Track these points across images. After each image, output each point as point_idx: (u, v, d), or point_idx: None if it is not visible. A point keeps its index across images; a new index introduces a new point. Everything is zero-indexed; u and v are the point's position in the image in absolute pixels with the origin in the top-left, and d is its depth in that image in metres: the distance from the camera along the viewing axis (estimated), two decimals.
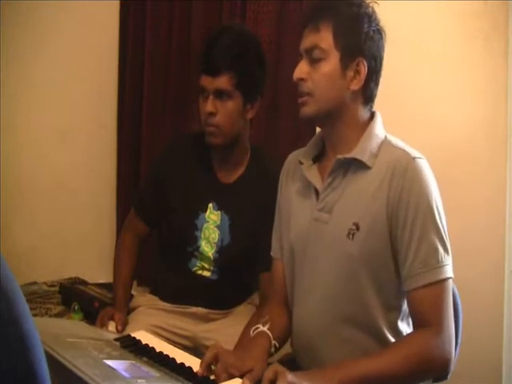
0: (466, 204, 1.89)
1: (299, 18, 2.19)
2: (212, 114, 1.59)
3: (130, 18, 2.56)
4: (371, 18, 1.27)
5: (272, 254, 1.47)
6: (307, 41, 1.27)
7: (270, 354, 1.26)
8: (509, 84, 1.89)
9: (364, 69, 1.26)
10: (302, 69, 1.27)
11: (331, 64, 1.25)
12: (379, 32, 1.28)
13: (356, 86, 1.26)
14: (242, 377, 1.11)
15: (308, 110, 1.28)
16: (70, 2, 2.52)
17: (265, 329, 1.28)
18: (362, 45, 1.25)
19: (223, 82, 1.57)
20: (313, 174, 1.33)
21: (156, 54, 2.50)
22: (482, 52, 1.93)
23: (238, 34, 1.64)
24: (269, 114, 2.23)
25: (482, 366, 1.84)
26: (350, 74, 1.25)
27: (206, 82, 1.60)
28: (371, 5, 1.28)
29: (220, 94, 1.59)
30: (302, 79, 1.27)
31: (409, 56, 1.96)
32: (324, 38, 1.25)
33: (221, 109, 1.59)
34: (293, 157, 1.46)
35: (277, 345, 1.28)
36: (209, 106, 1.59)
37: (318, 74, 1.26)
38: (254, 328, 1.30)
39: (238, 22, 2.20)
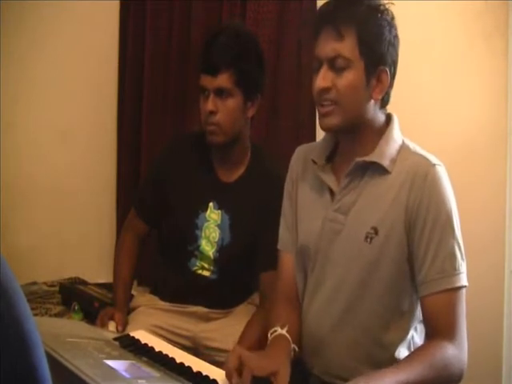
0: (466, 204, 1.88)
1: (299, 18, 2.19)
2: (213, 113, 1.60)
3: (130, 18, 2.56)
4: (392, 24, 1.24)
5: (280, 247, 1.42)
6: (329, 48, 1.21)
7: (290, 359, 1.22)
8: (509, 84, 1.89)
9: (387, 78, 1.24)
10: (325, 78, 1.21)
11: (356, 73, 1.21)
12: (397, 37, 1.26)
13: (379, 95, 1.24)
14: (268, 378, 1.09)
15: (333, 120, 1.23)
16: (70, 1, 2.51)
17: (283, 332, 1.25)
18: (385, 53, 1.22)
19: (223, 80, 1.58)
20: (327, 175, 1.31)
21: (156, 53, 2.50)
22: (484, 52, 1.93)
23: (237, 33, 1.64)
24: (269, 113, 2.23)
25: (482, 366, 1.84)
26: (373, 82, 1.23)
27: (206, 81, 1.60)
28: (389, 8, 1.25)
29: (220, 93, 1.59)
30: (326, 89, 1.21)
31: (409, 56, 1.94)
32: (348, 47, 1.19)
33: (221, 107, 1.60)
34: (301, 151, 1.43)
35: (296, 349, 1.25)
36: (209, 104, 1.59)
37: (343, 82, 1.21)
38: (272, 330, 1.27)
39: (237, 21, 2.20)
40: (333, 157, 1.35)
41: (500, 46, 1.90)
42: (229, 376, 1.07)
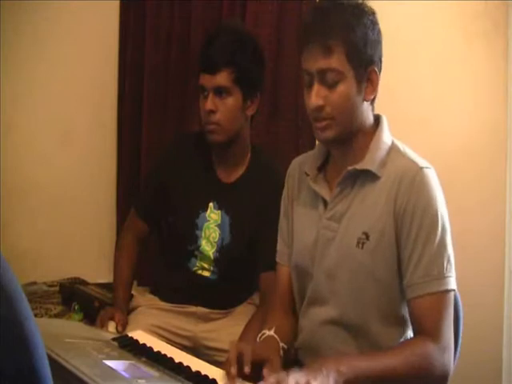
0: (466, 205, 1.89)
1: (299, 18, 2.19)
2: (212, 112, 1.60)
3: (130, 18, 2.56)
4: (374, 21, 1.23)
5: (278, 259, 1.44)
6: (319, 61, 1.19)
7: (280, 357, 1.24)
8: (509, 84, 1.89)
9: (376, 77, 1.24)
10: (319, 95, 1.20)
11: (348, 84, 1.20)
12: (379, 32, 1.25)
13: (371, 95, 1.24)
14: (261, 362, 1.12)
15: (330, 133, 1.22)
16: (70, 2, 2.52)
17: (271, 333, 1.27)
18: (372, 54, 1.22)
19: (222, 78, 1.58)
20: (320, 185, 1.31)
21: (156, 53, 2.49)
22: (483, 52, 1.94)
23: (235, 32, 1.65)
24: (269, 114, 2.23)
25: (482, 366, 1.84)
26: (364, 85, 1.23)
27: (206, 80, 1.60)
28: (369, 5, 1.24)
29: (219, 91, 1.59)
30: (320, 107, 1.20)
31: (409, 57, 1.96)
32: (338, 60, 1.19)
33: (221, 106, 1.60)
34: (296, 164, 1.44)
35: (285, 347, 1.27)
36: (209, 103, 1.60)
37: (336, 97, 1.20)
38: (260, 334, 1.29)
39: (236, 20, 2.20)
40: (325, 166, 1.35)
41: (499, 46, 1.90)
42: (229, 366, 1.10)
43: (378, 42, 1.24)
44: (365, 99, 1.24)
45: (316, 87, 1.21)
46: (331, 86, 1.20)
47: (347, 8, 1.21)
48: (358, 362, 1.10)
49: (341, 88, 1.20)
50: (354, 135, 1.26)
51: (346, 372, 1.05)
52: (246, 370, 1.09)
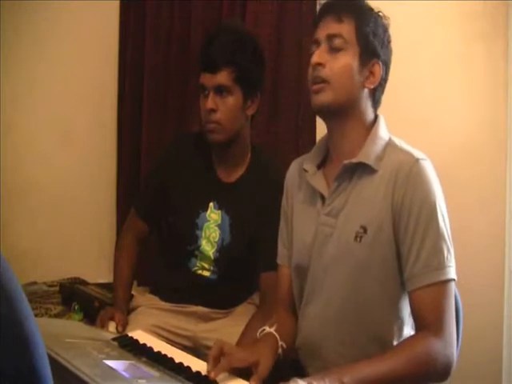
0: (466, 204, 1.89)
1: (299, 18, 2.19)
2: (213, 111, 1.60)
3: (130, 18, 2.56)
4: (386, 29, 1.30)
5: (278, 261, 1.45)
6: (329, 28, 1.26)
7: (278, 356, 1.25)
8: (509, 84, 1.89)
9: (379, 71, 1.28)
10: (321, 54, 1.26)
11: (351, 56, 1.25)
12: (390, 43, 1.31)
13: (371, 85, 1.27)
14: (247, 369, 1.11)
15: (322, 98, 1.25)
16: (70, 2, 2.52)
17: (271, 330, 1.27)
18: (379, 49, 1.27)
19: (223, 77, 1.58)
20: (318, 181, 1.32)
21: (156, 54, 2.50)
22: (482, 53, 1.93)
23: (235, 32, 1.66)
24: (269, 114, 2.23)
25: (482, 366, 1.84)
26: (366, 72, 1.26)
27: (206, 79, 1.60)
28: (387, 17, 1.31)
29: (220, 91, 1.59)
30: (320, 64, 1.25)
31: (408, 57, 1.95)
32: (347, 30, 1.25)
33: (221, 105, 1.60)
34: (295, 165, 1.45)
35: (284, 345, 1.27)
36: (209, 102, 1.60)
37: (338, 62, 1.25)
38: (260, 330, 1.29)
39: (236, 19, 2.21)
40: (324, 164, 1.36)
41: (498, 46, 1.90)
42: (208, 363, 1.11)
43: (386, 47, 1.30)
44: (364, 85, 1.27)
45: (322, 47, 1.26)
46: (334, 51, 1.25)
47: (363, 3, 1.31)
48: (360, 371, 1.09)
49: (343, 56, 1.25)
50: (352, 122, 1.28)
51: (349, 383, 1.05)
52: (213, 375, 1.08)
